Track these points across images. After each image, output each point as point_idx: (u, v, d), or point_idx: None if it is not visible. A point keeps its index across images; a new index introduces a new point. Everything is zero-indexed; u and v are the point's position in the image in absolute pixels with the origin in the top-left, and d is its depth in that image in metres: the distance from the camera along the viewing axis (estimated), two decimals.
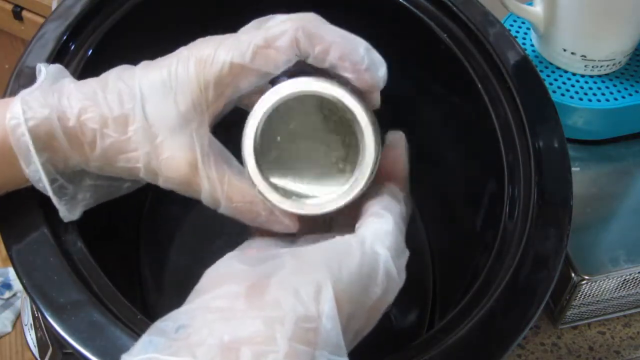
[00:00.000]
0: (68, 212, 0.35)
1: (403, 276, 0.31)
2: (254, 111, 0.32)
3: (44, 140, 0.33)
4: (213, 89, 0.33)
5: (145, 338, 0.27)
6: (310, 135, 0.35)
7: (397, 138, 0.36)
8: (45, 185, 0.34)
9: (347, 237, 0.31)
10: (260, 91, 0.33)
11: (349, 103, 0.32)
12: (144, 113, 0.33)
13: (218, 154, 0.34)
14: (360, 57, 0.32)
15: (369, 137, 0.32)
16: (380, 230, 0.31)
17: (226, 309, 0.27)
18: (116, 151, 0.33)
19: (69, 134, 0.33)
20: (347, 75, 0.32)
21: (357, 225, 0.32)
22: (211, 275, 0.31)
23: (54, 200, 0.34)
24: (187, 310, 0.28)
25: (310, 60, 0.32)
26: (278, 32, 0.32)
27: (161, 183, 0.34)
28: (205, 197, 0.34)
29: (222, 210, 0.34)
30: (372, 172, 0.33)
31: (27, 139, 0.33)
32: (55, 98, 0.33)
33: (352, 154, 0.34)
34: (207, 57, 0.33)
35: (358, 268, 0.29)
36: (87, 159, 0.34)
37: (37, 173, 0.33)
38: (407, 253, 0.32)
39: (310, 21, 0.32)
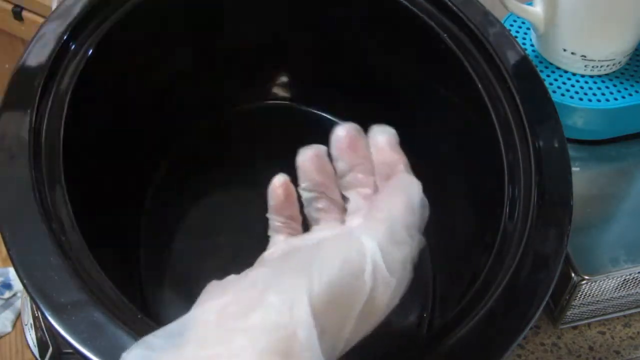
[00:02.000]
0: None
1: (398, 273, 0.29)
2: None
3: None
4: None
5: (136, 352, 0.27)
6: None
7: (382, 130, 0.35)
8: None
9: (339, 230, 0.30)
10: None
11: None
12: None
13: None
14: None
15: None
16: (373, 220, 0.30)
17: (210, 322, 0.27)
18: None
19: None
20: None
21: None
22: (208, 287, 0.31)
23: None
24: (179, 323, 0.28)
25: None
26: None
27: None
28: None
29: None
30: None
31: None
32: None
33: None
34: None
35: (341, 266, 0.28)
36: None
37: None
38: (408, 244, 0.30)
39: None
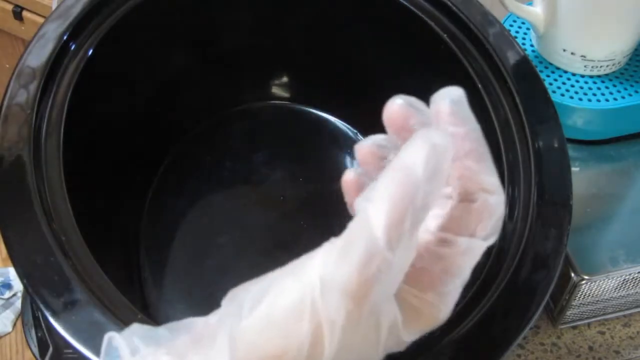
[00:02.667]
0: None
1: (344, 309, 0.22)
2: None
3: None
4: None
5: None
6: None
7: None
8: None
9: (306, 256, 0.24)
10: None
11: None
12: None
13: None
14: None
15: None
16: (344, 234, 0.23)
17: (182, 340, 0.25)
18: None
19: None
20: None
21: None
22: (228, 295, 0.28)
23: None
24: (178, 325, 0.27)
25: None
26: None
27: None
28: None
29: None
30: None
31: None
32: None
33: None
34: None
35: (283, 310, 0.23)
36: None
37: None
38: (379, 255, 0.22)
39: None
